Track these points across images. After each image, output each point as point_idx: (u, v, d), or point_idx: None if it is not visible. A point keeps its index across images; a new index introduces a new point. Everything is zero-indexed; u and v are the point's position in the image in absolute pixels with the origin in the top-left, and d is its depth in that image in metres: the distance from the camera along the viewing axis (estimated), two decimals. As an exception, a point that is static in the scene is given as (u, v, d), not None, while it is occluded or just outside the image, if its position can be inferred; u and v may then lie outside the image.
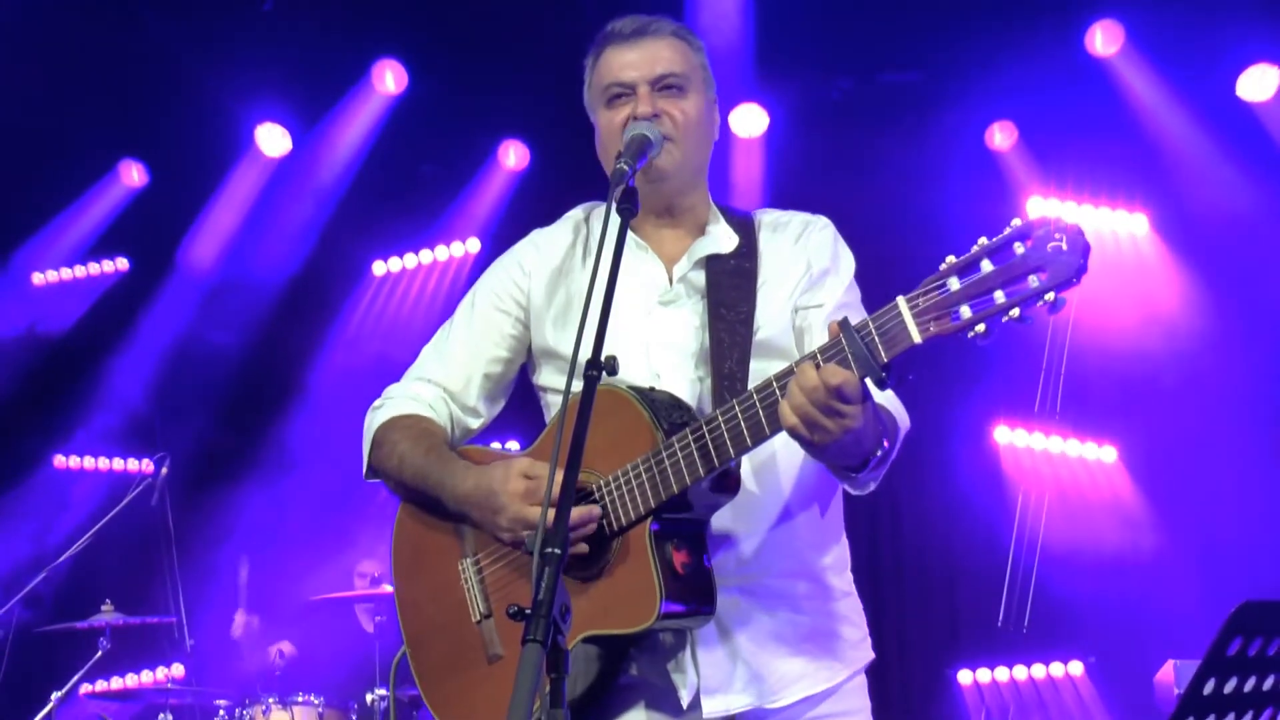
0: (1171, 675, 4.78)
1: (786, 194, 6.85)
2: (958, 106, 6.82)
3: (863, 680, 2.58)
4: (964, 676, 6.75)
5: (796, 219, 2.70)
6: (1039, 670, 6.67)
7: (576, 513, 2.25)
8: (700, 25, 6.14)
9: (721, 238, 2.61)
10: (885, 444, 2.23)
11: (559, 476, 1.97)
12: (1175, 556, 6.34)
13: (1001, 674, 6.71)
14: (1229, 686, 1.87)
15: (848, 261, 2.66)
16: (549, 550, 1.88)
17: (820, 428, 2.06)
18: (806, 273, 2.59)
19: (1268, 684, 1.92)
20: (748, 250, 2.60)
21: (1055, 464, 6.85)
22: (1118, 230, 6.85)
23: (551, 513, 1.95)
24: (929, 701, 6.77)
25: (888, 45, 6.72)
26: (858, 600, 2.63)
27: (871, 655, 2.61)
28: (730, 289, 2.54)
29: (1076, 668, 6.61)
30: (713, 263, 2.57)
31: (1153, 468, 6.66)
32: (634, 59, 2.58)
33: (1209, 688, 1.86)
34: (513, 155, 7.50)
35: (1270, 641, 1.87)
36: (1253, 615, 1.83)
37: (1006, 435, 6.89)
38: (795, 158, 7.00)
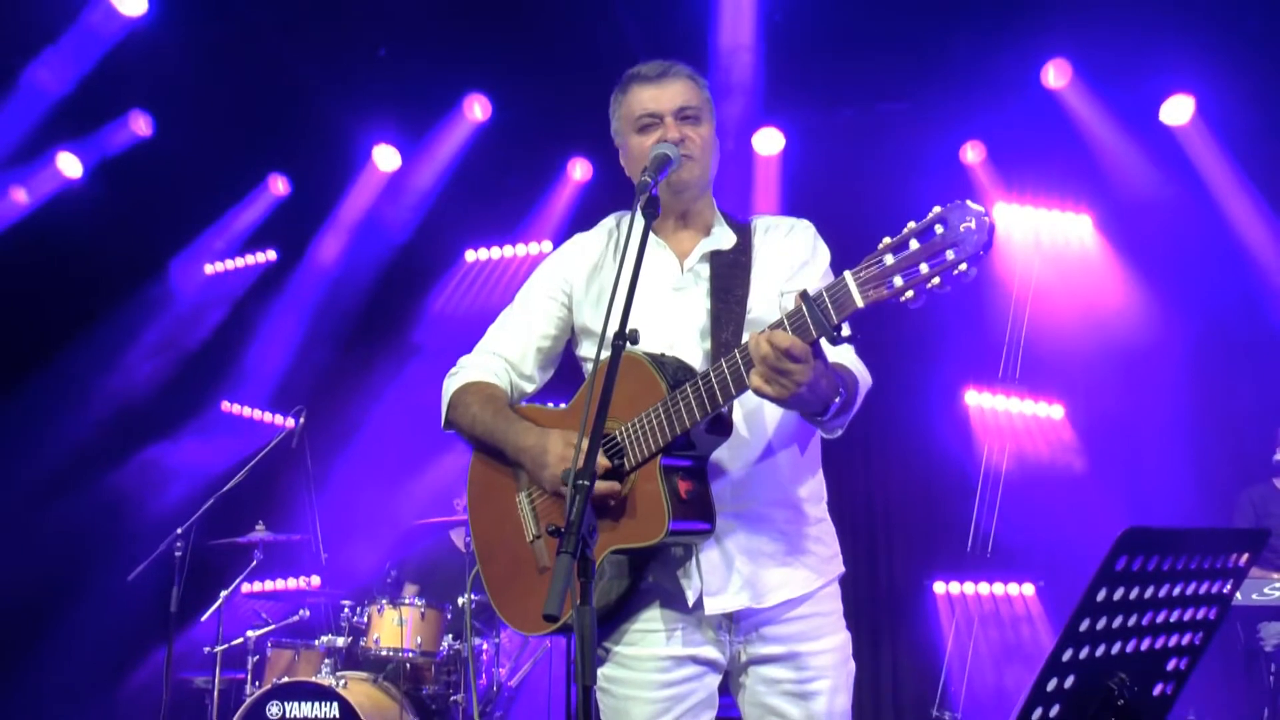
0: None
1: (798, 201, 6.86)
2: (937, 129, 6.78)
3: (835, 588, 2.59)
4: (939, 587, 6.74)
5: (785, 222, 2.70)
6: (999, 588, 6.66)
7: (603, 486, 2.29)
8: (720, 66, 6.14)
9: (723, 238, 2.62)
10: (841, 392, 2.24)
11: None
12: (1109, 495, 6.30)
13: (969, 588, 6.70)
14: (1117, 595, 1.88)
15: (823, 253, 2.66)
16: (580, 482, 1.93)
17: (776, 383, 2.10)
18: (789, 265, 2.60)
19: (1148, 593, 1.92)
20: (744, 248, 2.61)
21: (1014, 420, 6.81)
22: (1067, 228, 6.78)
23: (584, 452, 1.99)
24: (910, 605, 6.78)
25: (882, 81, 6.66)
26: (831, 525, 2.62)
27: (842, 569, 2.61)
28: (729, 278, 2.55)
29: (1029, 589, 6.59)
30: (715, 257, 2.59)
31: (1092, 423, 6.62)
32: (659, 94, 2.59)
33: (1101, 595, 1.86)
34: (579, 170, 7.52)
35: (1150, 559, 1.87)
36: (1135, 538, 1.83)
37: (975, 397, 6.86)
38: (806, 171, 6.97)
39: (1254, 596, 4.82)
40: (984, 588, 6.67)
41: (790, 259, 2.60)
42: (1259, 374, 6.28)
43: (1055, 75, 6.47)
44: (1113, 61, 6.28)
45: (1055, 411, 6.74)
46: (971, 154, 6.93)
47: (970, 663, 6.44)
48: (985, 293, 6.71)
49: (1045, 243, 6.73)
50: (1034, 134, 6.65)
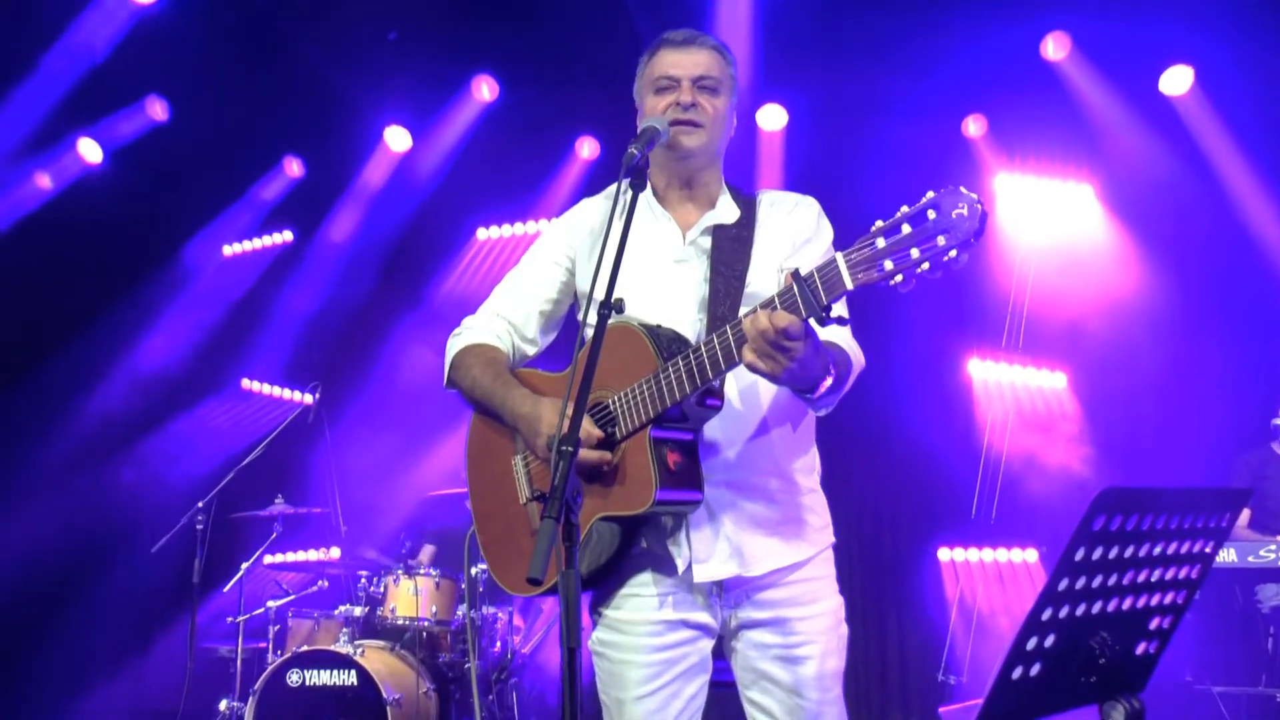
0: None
1: (802, 177, 6.80)
2: (938, 103, 6.68)
3: (828, 555, 2.56)
4: (943, 554, 6.72)
5: (790, 198, 2.66)
6: (1002, 554, 6.64)
7: (594, 455, 2.28)
8: (723, 43, 6.08)
9: (727, 211, 2.59)
10: (833, 372, 2.21)
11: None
12: (1111, 461, 6.27)
13: (973, 555, 6.69)
14: (1095, 554, 1.85)
15: (826, 232, 2.62)
16: (565, 448, 1.90)
17: (771, 359, 2.07)
18: (791, 241, 2.56)
19: (1127, 552, 1.90)
20: (747, 222, 2.57)
21: (1017, 389, 6.77)
22: (1068, 198, 6.71)
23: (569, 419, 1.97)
24: (916, 572, 6.75)
25: (883, 56, 6.58)
26: (822, 496, 2.59)
27: (833, 539, 2.58)
28: (730, 252, 2.52)
29: (1032, 555, 6.57)
30: (718, 231, 2.55)
31: (1094, 390, 6.58)
32: (682, 59, 2.56)
33: (1079, 555, 1.84)
34: (586, 148, 7.47)
35: (1128, 518, 1.84)
36: (1112, 498, 1.80)
37: (978, 366, 6.82)
38: (810, 147, 6.89)
39: (1250, 559, 4.79)
40: (988, 554, 6.66)
41: (793, 236, 2.56)
42: (1258, 341, 6.23)
43: (1054, 48, 6.38)
44: (1111, 33, 6.20)
45: (1058, 379, 6.71)
46: (973, 127, 6.85)
47: (975, 628, 6.43)
48: (989, 263, 6.67)
49: (1047, 213, 6.67)
50: (1035, 106, 6.57)
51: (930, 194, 1.93)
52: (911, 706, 6.69)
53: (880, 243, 1.96)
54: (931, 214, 1.91)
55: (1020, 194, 6.72)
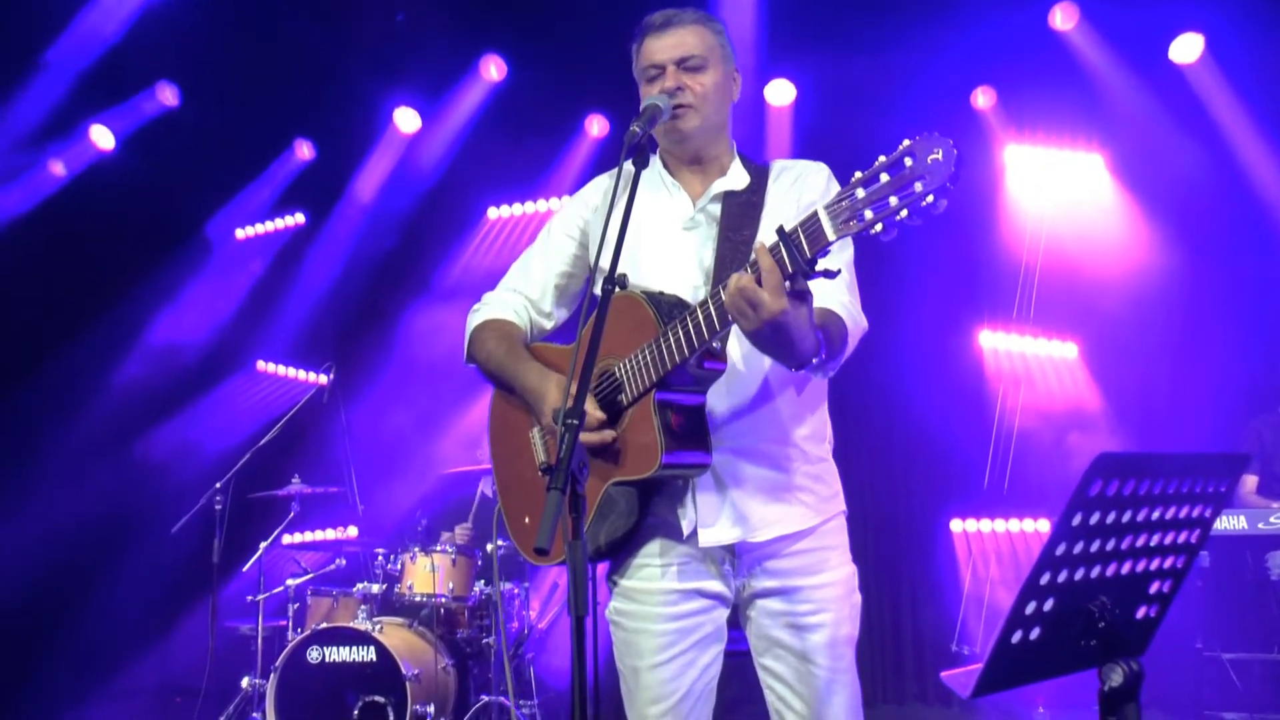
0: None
1: (811, 150, 6.69)
2: (947, 75, 6.65)
3: (840, 523, 2.57)
4: (956, 525, 6.73)
5: (800, 164, 2.67)
6: (1014, 525, 6.65)
7: (594, 438, 2.31)
8: (730, 18, 6.05)
9: (737, 178, 2.61)
10: (821, 354, 2.22)
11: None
12: (1123, 430, 6.27)
13: (985, 525, 6.70)
14: (1093, 519, 1.86)
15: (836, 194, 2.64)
16: (570, 421, 1.93)
17: (744, 316, 2.08)
18: (799, 205, 2.56)
19: (1125, 517, 1.91)
20: (758, 188, 2.59)
21: (1028, 359, 6.77)
22: (1079, 168, 6.68)
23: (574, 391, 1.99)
24: (928, 544, 6.76)
25: (890, 29, 6.53)
26: (833, 465, 2.60)
27: (843, 507, 2.59)
28: (738, 218, 2.53)
29: (1045, 525, 6.57)
30: (727, 197, 2.57)
31: (1105, 359, 6.57)
32: (662, 45, 2.57)
33: (1076, 520, 1.85)
34: (596, 126, 7.46)
35: (1125, 483, 1.86)
36: (1108, 463, 1.81)
37: (990, 337, 6.81)
38: (818, 122, 6.87)
39: (1260, 525, 4.79)
40: (1000, 525, 6.66)
41: (800, 200, 2.57)
42: (1268, 307, 6.20)
43: (1063, 17, 6.35)
44: (1120, 2, 6.16)
45: (1069, 349, 6.70)
46: (982, 99, 6.82)
47: (988, 598, 6.45)
48: (999, 234, 6.65)
49: (1058, 184, 6.64)
50: (1044, 76, 6.53)
51: (906, 141, 1.94)
52: (926, 677, 6.72)
53: (860, 193, 1.97)
54: (908, 161, 1.91)
55: (1030, 165, 6.70)
